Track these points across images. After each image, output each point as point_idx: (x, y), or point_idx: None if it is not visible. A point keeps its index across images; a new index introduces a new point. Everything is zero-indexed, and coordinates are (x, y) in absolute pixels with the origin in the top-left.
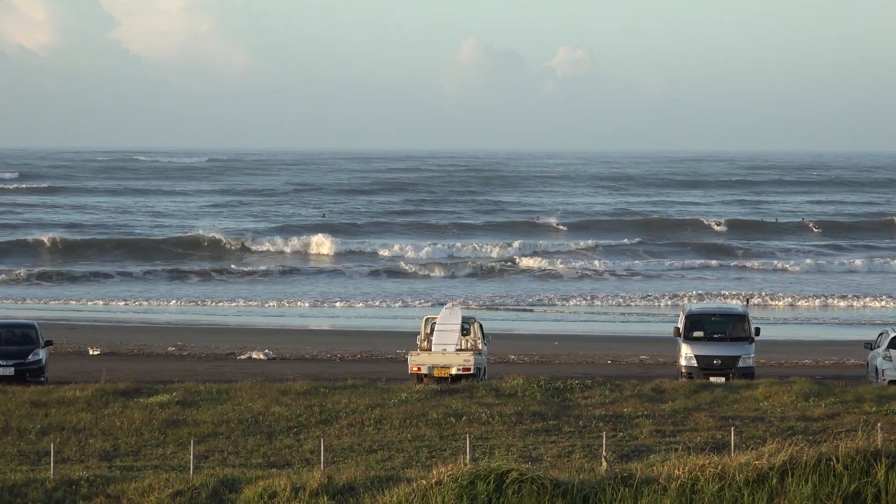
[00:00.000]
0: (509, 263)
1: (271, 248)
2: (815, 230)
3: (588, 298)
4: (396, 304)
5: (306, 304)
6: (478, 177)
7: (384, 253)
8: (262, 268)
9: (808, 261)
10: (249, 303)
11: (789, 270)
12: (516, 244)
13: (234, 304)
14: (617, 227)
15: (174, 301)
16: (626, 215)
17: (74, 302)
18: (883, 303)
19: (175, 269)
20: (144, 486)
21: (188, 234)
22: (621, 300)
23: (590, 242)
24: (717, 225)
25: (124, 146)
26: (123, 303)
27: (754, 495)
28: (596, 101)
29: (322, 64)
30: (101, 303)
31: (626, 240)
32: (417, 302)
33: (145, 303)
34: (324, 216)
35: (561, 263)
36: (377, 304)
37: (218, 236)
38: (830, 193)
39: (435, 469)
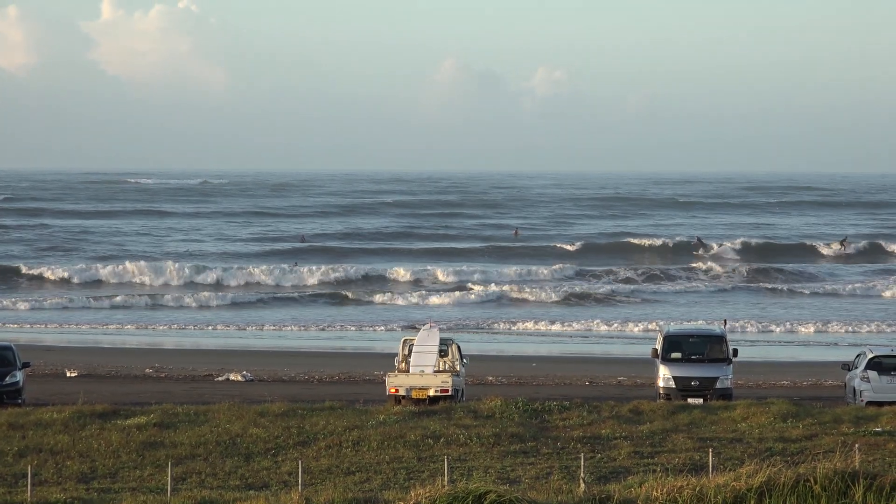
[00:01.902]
0: (498, 286)
1: (241, 278)
2: (840, 250)
3: (590, 323)
4: (373, 327)
5: (285, 328)
6: (465, 200)
7: (366, 274)
8: (240, 293)
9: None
10: (227, 326)
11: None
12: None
13: (212, 327)
14: (607, 250)
15: (150, 326)
16: (621, 237)
17: (55, 325)
18: (850, 327)
19: (148, 294)
20: None
21: (160, 261)
22: (614, 326)
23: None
24: (700, 247)
25: (105, 167)
26: (97, 325)
27: None
28: (575, 122)
29: (300, 84)
30: (80, 325)
31: (609, 266)
32: (397, 325)
33: (115, 326)
34: (303, 240)
35: (559, 288)
36: (353, 327)
37: (203, 264)
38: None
39: (413, 491)
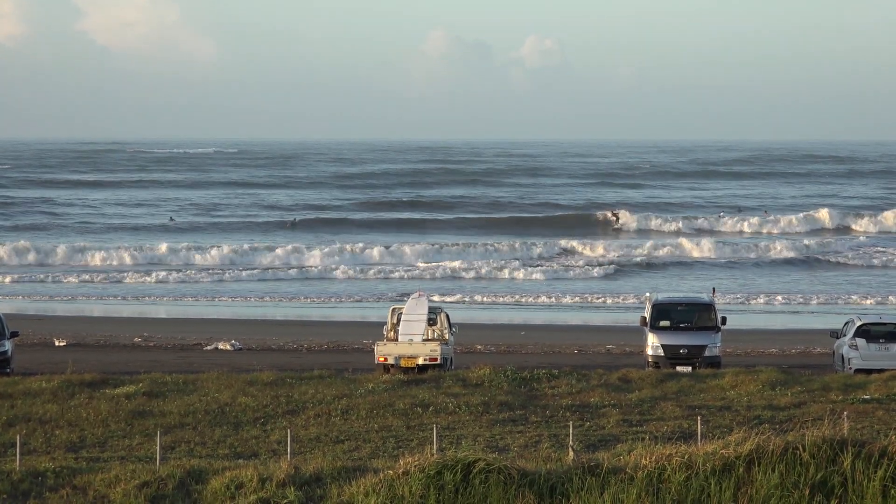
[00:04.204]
0: (492, 258)
1: (231, 249)
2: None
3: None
4: (362, 298)
5: (274, 298)
6: (465, 170)
7: (352, 250)
8: (229, 263)
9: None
10: (216, 297)
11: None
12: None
13: (205, 299)
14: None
15: (138, 295)
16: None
17: (41, 297)
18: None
19: (136, 263)
20: (111, 478)
21: (149, 231)
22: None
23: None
24: (615, 220)
25: (92, 137)
26: (85, 295)
27: (721, 484)
28: (564, 91)
29: (288, 54)
30: (69, 297)
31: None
32: (386, 295)
33: (103, 297)
34: (294, 221)
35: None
36: (344, 297)
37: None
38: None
39: (402, 459)
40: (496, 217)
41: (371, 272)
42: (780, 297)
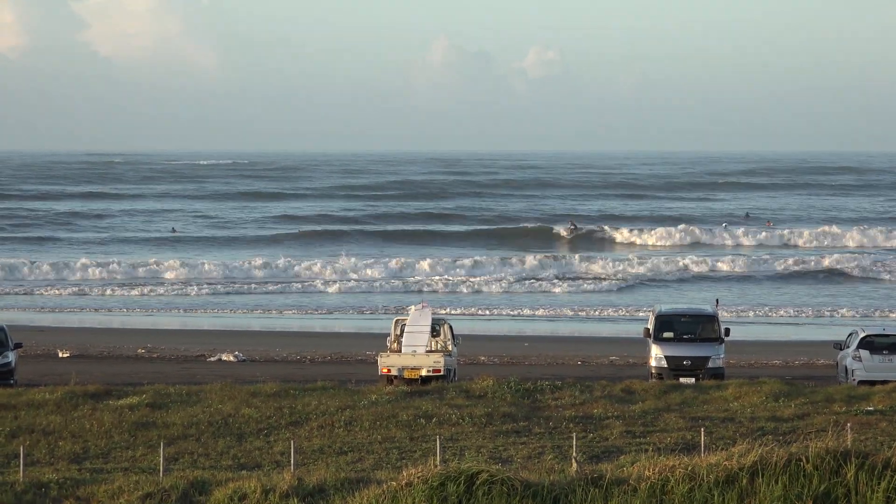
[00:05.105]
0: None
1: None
2: None
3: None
4: (364, 310)
5: (277, 309)
6: (462, 181)
7: (364, 259)
8: (229, 275)
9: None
10: (219, 308)
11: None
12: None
13: (208, 310)
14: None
15: (145, 308)
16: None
17: (45, 309)
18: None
19: (139, 276)
20: (114, 489)
21: (151, 244)
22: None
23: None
24: (574, 230)
25: (95, 149)
26: (90, 307)
27: (724, 496)
28: (567, 102)
29: (290, 64)
30: (73, 309)
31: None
32: (390, 306)
33: (106, 309)
34: (305, 231)
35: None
36: (349, 310)
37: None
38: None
39: (405, 470)
40: (502, 228)
41: (375, 283)
42: (783, 309)
